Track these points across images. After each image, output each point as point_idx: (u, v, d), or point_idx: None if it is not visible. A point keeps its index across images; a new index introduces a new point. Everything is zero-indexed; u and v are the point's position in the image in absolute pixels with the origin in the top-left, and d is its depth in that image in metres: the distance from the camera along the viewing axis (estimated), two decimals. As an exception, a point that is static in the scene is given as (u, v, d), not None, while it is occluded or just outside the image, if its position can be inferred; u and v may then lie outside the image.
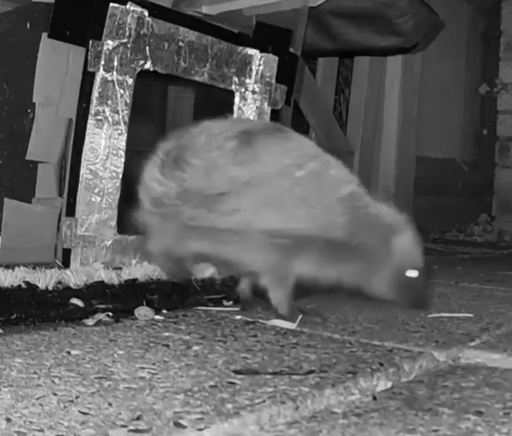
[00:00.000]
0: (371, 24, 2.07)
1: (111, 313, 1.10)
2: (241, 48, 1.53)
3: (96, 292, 1.18)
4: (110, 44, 1.29)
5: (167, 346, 0.93)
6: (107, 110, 1.31)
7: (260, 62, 1.56)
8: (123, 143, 1.34)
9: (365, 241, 1.08)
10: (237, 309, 1.23)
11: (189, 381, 0.77)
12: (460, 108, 3.26)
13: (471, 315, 1.22)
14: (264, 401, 0.70)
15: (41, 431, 0.60)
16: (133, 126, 1.39)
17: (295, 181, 1.08)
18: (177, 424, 0.63)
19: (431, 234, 2.87)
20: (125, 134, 1.34)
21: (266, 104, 1.57)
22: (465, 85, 3.27)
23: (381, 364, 0.86)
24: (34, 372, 0.77)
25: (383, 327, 1.11)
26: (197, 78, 1.46)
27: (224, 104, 1.63)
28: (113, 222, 1.34)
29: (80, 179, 1.29)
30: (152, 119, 2.20)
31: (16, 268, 1.19)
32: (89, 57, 1.27)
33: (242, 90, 1.55)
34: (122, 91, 1.32)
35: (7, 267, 1.18)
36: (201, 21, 1.51)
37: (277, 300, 1.11)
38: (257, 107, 1.56)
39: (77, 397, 0.69)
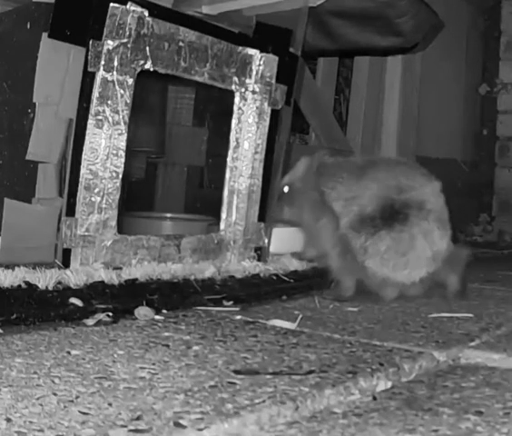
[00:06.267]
0: (371, 24, 2.07)
1: (111, 313, 1.10)
2: (241, 48, 1.53)
3: (96, 292, 1.18)
4: (110, 44, 1.29)
5: (167, 346, 0.93)
6: (107, 110, 1.31)
7: (260, 62, 1.55)
8: (123, 143, 1.34)
9: None
10: (237, 309, 1.23)
11: (189, 381, 0.77)
12: (460, 108, 3.26)
13: (471, 315, 1.22)
14: (264, 401, 0.70)
15: (41, 430, 0.60)
16: (134, 126, 1.39)
17: None
18: (177, 424, 0.63)
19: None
20: (125, 134, 1.34)
21: (266, 104, 1.57)
22: (465, 85, 3.26)
23: (381, 364, 0.86)
24: (34, 372, 0.78)
25: (383, 327, 1.11)
26: (197, 78, 1.46)
27: (224, 104, 1.63)
28: (113, 223, 1.34)
29: (80, 179, 1.29)
30: (152, 119, 2.20)
31: (16, 268, 1.19)
32: (89, 57, 1.27)
33: (242, 90, 1.55)
34: (122, 91, 1.32)
35: (7, 267, 1.18)
36: (201, 21, 1.51)
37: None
38: (257, 107, 1.56)
39: (77, 397, 0.70)
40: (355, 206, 1.34)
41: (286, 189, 1.55)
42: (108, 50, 1.29)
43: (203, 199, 2.33)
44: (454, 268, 1.37)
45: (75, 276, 1.21)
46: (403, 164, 1.43)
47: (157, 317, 1.13)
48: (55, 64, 1.28)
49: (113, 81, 1.31)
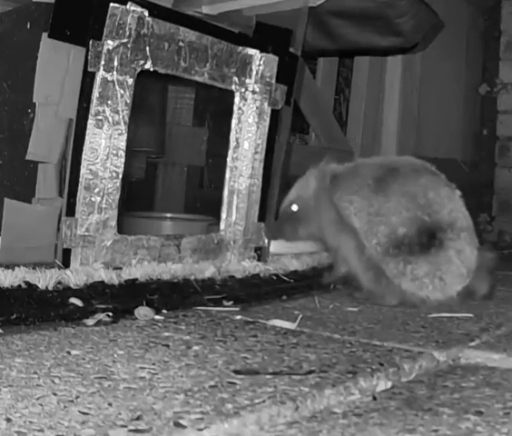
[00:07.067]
0: (371, 24, 2.07)
1: (111, 313, 1.10)
2: (241, 48, 1.53)
3: (96, 292, 1.18)
4: (110, 44, 1.29)
5: (167, 346, 0.93)
6: (107, 110, 1.31)
7: (260, 62, 1.55)
8: (123, 143, 1.34)
9: None
10: (237, 309, 1.23)
11: (189, 381, 0.77)
12: (460, 108, 3.25)
13: (471, 315, 1.22)
14: (264, 401, 0.70)
15: (41, 430, 0.60)
16: (134, 126, 1.39)
17: None
18: (177, 424, 0.63)
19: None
20: (125, 134, 1.34)
21: (266, 104, 1.57)
22: (465, 85, 3.26)
23: (381, 364, 0.86)
24: (34, 372, 0.77)
25: (383, 327, 1.11)
26: (197, 78, 1.46)
27: (224, 104, 1.63)
28: (113, 223, 1.34)
29: (80, 179, 1.29)
30: (152, 119, 2.20)
31: (16, 268, 1.19)
32: (89, 57, 1.27)
33: (242, 90, 1.55)
34: (122, 91, 1.32)
35: (7, 267, 1.18)
36: (201, 21, 1.51)
37: None
38: (257, 107, 1.56)
39: (77, 397, 0.70)
40: (382, 225, 1.29)
41: (295, 208, 1.43)
42: (108, 50, 1.29)
43: (203, 199, 2.33)
44: (482, 275, 1.38)
45: (75, 276, 1.21)
46: (425, 173, 1.37)
47: (157, 317, 1.13)
48: (55, 64, 1.28)
49: (113, 81, 1.31)
